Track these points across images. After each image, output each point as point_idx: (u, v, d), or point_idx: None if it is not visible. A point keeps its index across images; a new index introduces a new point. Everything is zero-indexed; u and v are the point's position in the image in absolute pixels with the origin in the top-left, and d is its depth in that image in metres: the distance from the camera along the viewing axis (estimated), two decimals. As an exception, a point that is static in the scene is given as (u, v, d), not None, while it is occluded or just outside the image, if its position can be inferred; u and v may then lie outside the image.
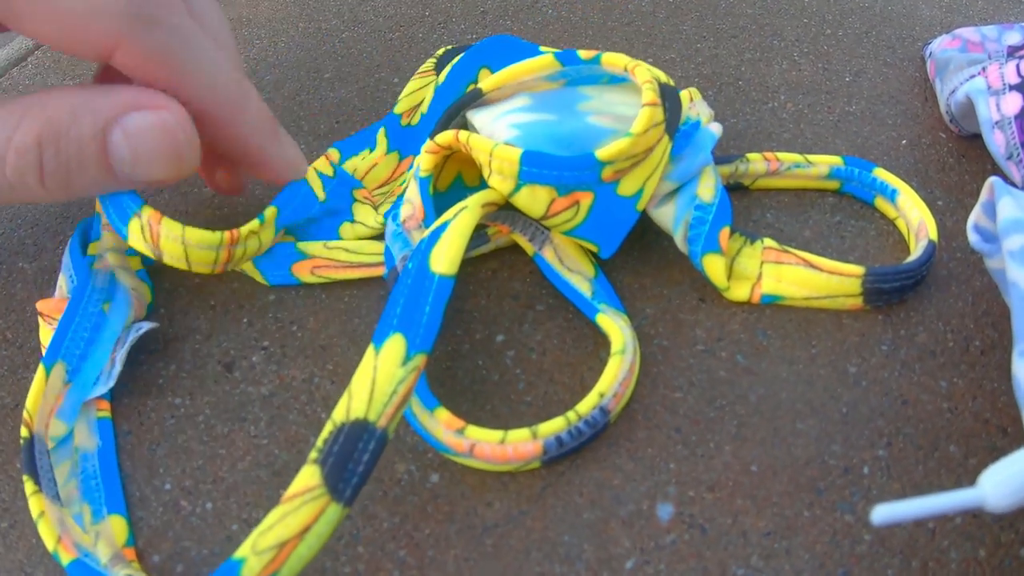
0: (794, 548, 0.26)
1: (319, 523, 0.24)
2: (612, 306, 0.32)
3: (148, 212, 0.31)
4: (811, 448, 0.28)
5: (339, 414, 0.25)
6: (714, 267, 0.31)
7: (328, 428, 0.25)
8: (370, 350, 0.26)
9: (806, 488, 0.27)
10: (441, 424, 0.28)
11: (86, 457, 0.31)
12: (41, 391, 0.31)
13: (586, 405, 0.28)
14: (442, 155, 0.32)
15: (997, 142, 0.34)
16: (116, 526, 0.29)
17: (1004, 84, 0.34)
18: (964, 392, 0.29)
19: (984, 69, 0.35)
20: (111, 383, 0.32)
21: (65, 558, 0.27)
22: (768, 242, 0.32)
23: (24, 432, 0.30)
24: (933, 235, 0.32)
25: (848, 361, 0.30)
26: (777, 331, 0.31)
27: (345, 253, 0.35)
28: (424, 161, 0.32)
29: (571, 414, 0.28)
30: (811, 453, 0.28)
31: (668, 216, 0.32)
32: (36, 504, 0.29)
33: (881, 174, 0.35)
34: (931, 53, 0.41)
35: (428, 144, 0.32)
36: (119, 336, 0.33)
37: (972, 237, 0.30)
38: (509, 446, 0.27)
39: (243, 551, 0.23)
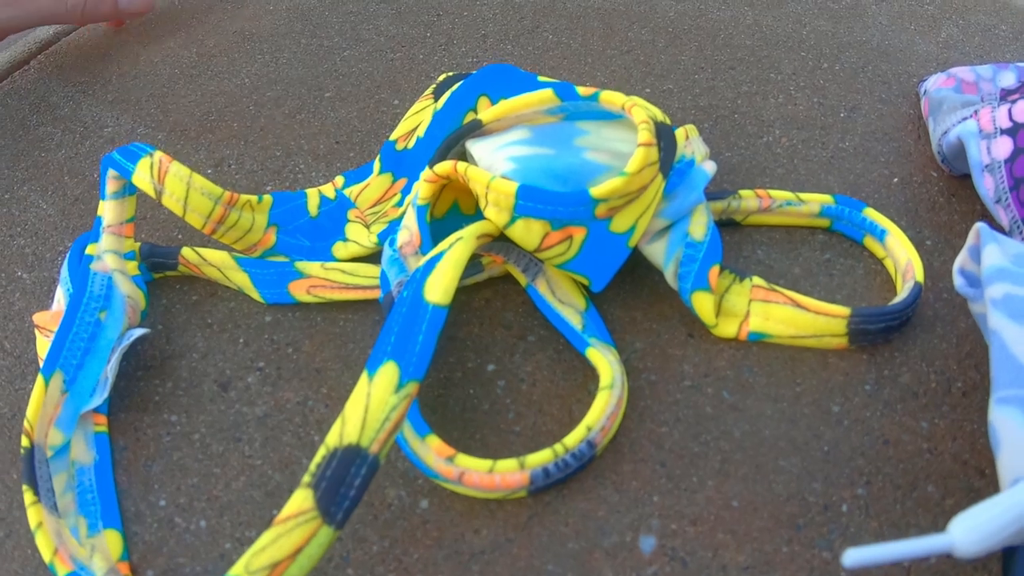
0: (772, 585, 0.27)
1: (311, 545, 0.25)
2: (602, 340, 0.32)
3: (160, 153, 0.35)
4: (792, 485, 0.29)
5: (332, 439, 0.26)
6: (703, 304, 0.32)
7: (321, 452, 0.25)
8: (364, 376, 0.27)
9: (786, 524, 0.28)
10: (432, 451, 0.29)
11: (83, 471, 0.31)
12: (41, 401, 0.31)
13: (573, 438, 0.29)
14: (440, 184, 0.33)
15: (987, 186, 0.35)
16: (111, 540, 0.30)
17: (995, 128, 0.35)
18: (944, 433, 0.30)
19: (976, 112, 0.36)
20: (105, 393, 0.32)
21: (61, 570, 0.28)
22: (757, 280, 0.33)
23: (25, 442, 0.30)
24: (920, 277, 0.33)
25: (832, 400, 0.31)
26: (763, 368, 0.32)
27: (342, 275, 0.35)
28: (423, 190, 0.32)
29: (558, 446, 0.29)
30: (792, 490, 0.29)
31: (659, 252, 0.33)
32: (35, 514, 0.29)
33: (871, 214, 0.35)
34: (926, 91, 0.41)
35: (427, 173, 0.32)
36: (114, 344, 0.33)
37: (957, 281, 0.30)
38: (497, 475, 0.28)
39: (236, 570, 0.24)
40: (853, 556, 0.21)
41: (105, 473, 0.32)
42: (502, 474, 0.28)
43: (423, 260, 0.30)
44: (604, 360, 0.31)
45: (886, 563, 0.25)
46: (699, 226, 0.32)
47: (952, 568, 0.27)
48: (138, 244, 0.37)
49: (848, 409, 0.31)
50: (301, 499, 0.25)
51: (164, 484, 0.31)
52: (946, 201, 0.38)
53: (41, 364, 0.33)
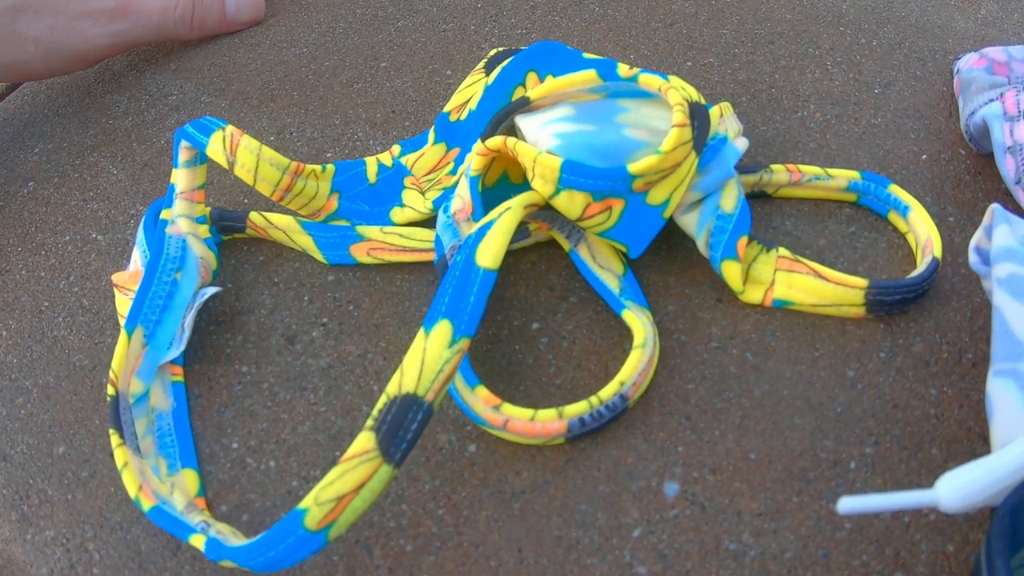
0: (781, 529, 0.29)
1: (372, 481, 0.28)
2: (637, 302, 0.35)
3: (231, 127, 0.38)
4: (805, 441, 0.32)
5: (392, 388, 0.29)
6: (731, 272, 0.35)
7: (383, 400, 0.29)
8: (420, 333, 0.30)
9: (797, 477, 0.31)
10: (480, 400, 0.32)
11: (161, 416, 0.35)
12: (124, 353, 0.35)
13: (608, 391, 0.32)
14: (491, 157, 0.35)
15: (1008, 167, 0.36)
16: (188, 478, 0.33)
17: (1019, 111, 0.36)
18: (952, 400, 0.32)
19: (1003, 94, 0.37)
20: (182, 346, 0.36)
21: (146, 504, 0.32)
22: (782, 251, 0.35)
23: (110, 390, 0.34)
24: (938, 252, 0.35)
25: (848, 365, 0.33)
26: (785, 333, 0.35)
27: (399, 238, 0.38)
28: (475, 162, 0.35)
29: (594, 399, 0.32)
30: (805, 446, 0.31)
31: (692, 223, 0.35)
32: (120, 455, 0.33)
33: (895, 190, 0.37)
34: (958, 70, 0.43)
35: (478, 146, 0.35)
36: (189, 302, 0.37)
37: (972, 258, 0.32)
38: (538, 423, 0.31)
39: (307, 502, 0.27)
40: (847, 504, 0.24)
41: (182, 418, 0.35)
42: (542, 422, 0.31)
43: (475, 227, 0.33)
44: (638, 321, 0.34)
45: (877, 512, 0.27)
46: (730, 199, 0.35)
47: (949, 526, 0.29)
48: (209, 209, 0.40)
49: (862, 374, 0.33)
50: (364, 440, 0.28)
51: (236, 428, 0.35)
52: (972, 179, 0.40)
53: (121, 321, 0.37)
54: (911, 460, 0.31)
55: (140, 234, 0.39)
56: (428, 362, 0.29)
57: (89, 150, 0.48)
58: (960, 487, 0.23)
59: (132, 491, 0.32)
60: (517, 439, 0.32)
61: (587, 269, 0.36)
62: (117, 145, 0.48)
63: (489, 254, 0.31)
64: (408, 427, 0.28)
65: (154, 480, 0.33)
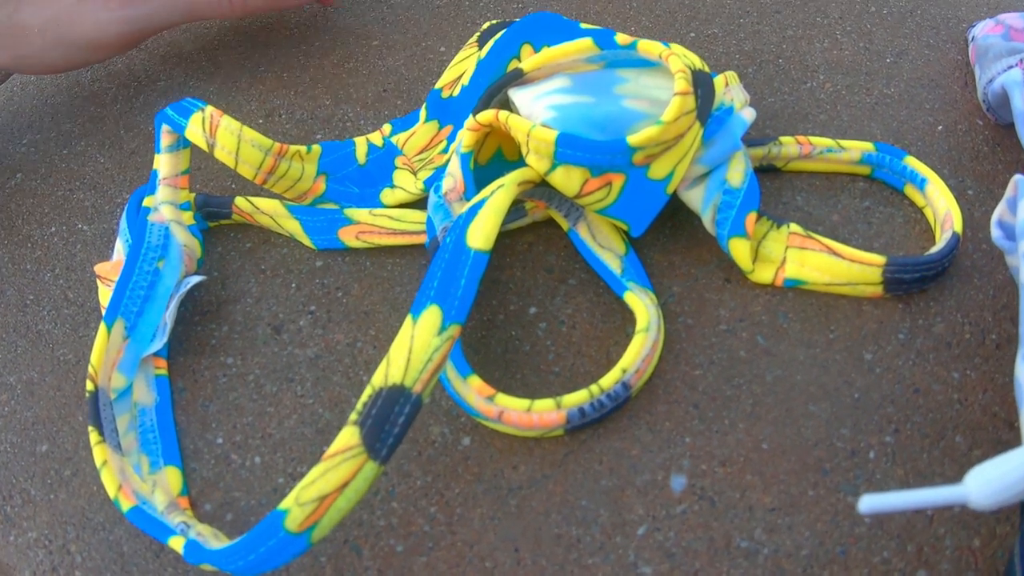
0: (796, 525, 0.28)
1: (357, 479, 0.26)
2: (640, 284, 0.33)
3: (211, 108, 0.36)
4: (821, 430, 0.30)
5: (378, 379, 0.27)
6: (740, 250, 0.33)
7: (367, 392, 0.27)
8: (408, 320, 0.28)
9: (813, 468, 0.29)
10: (473, 390, 0.30)
11: (144, 412, 0.33)
12: (104, 347, 0.33)
13: (609, 380, 0.30)
14: (483, 132, 0.33)
15: (1030, 134, 0.34)
16: (171, 476, 0.32)
17: (1041, 76, 0.34)
18: (976, 384, 0.30)
19: (1022, 60, 0.35)
20: (165, 338, 0.34)
21: (125, 504, 0.30)
22: (794, 227, 0.33)
23: (89, 386, 0.33)
24: (958, 227, 0.33)
25: (864, 348, 0.32)
26: (798, 314, 0.33)
27: (389, 220, 0.37)
28: (466, 138, 0.33)
29: (594, 387, 0.30)
30: (820, 435, 0.30)
31: (697, 198, 0.33)
32: (100, 453, 0.31)
33: (912, 162, 0.35)
34: (973, 37, 0.41)
35: (470, 122, 0.33)
36: (172, 292, 0.35)
37: (995, 233, 0.30)
38: (535, 414, 0.29)
39: (287, 503, 0.26)
40: (868, 502, 0.22)
41: (165, 413, 0.34)
42: (539, 413, 0.29)
43: (467, 206, 0.31)
44: (641, 304, 0.32)
45: (901, 511, 0.26)
46: (737, 173, 0.33)
47: (974, 519, 0.27)
48: (193, 195, 0.39)
49: (880, 357, 0.31)
50: (348, 436, 0.26)
51: (221, 423, 0.33)
52: (990, 150, 0.38)
53: (103, 312, 0.35)
54: (933, 449, 0.29)
55: (123, 222, 0.38)
56: (416, 351, 0.27)
57: (77, 138, 0.47)
58: (992, 482, 0.21)
59: (111, 491, 0.30)
60: (513, 431, 0.30)
61: (587, 249, 0.35)
62: (105, 133, 0.47)
63: (481, 234, 0.29)
64: (395, 421, 0.27)
65: (135, 479, 0.31)
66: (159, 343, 0.34)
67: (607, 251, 0.34)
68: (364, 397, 0.27)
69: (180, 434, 0.33)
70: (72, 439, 0.34)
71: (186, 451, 0.33)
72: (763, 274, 0.34)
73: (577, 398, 0.30)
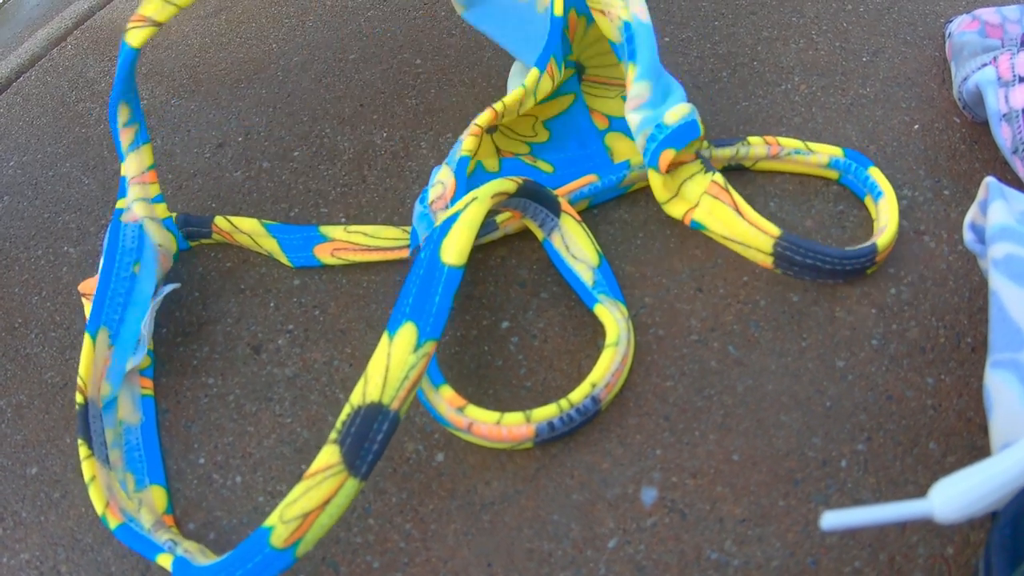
0: (767, 536, 0.28)
1: (338, 496, 0.27)
2: (611, 296, 0.33)
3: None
4: (792, 440, 0.30)
5: (356, 398, 0.27)
6: (654, 181, 0.34)
7: (346, 411, 0.27)
8: (384, 337, 0.28)
9: (784, 479, 0.29)
10: (445, 401, 0.30)
11: (130, 430, 0.34)
12: (91, 358, 0.34)
13: (579, 394, 0.30)
14: (482, 134, 0.34)
15: (1004, 135, 0.34)
16: (156, 495, 0.32)
17: (1014, 75, 0.34)
18: (950, 389, 0.30)
19: (996, 59, 0.35)
20: (146, 347, 0.34)
21: (113, 522, 0.30)
22: (716, 177, 0.34)
23: (79, 398, 0.33)
24: (881, 243, 0.32)
25: (837, 355, 0.31)
26: (770, 323, 0.33)
27: (363, 237, 0.37)
28: (466, 142, 0.34)
29: (564, 402, 0.30)
30: (791, 445, 0.30)
31: (635, 122, 0.34)
32: (88, 468, 0.32)
33: (875, 174, 0.35)
34: (950, 33, 0.40)
35: (470, 128, 0.34)
36: (151, 296, 0.35)
37: (967, 236, 0.30)
38: (504, 427, 0.30)
39: (272, 520, 0.26)
40: (830, 519, 0.21)
41: (151, 433, 0.34)
42: (509, 426, 0.30)
43: (439, 221, 0.31)
44: (611, 317, 0.32)
45: (865, 527, 0.25)
46: (674, 114, 0.34)
47: (947, 527, 0.27)
48: (170, 212, 0.39)
49: (853, 364, 0.31)
50: (328, 455, 0.27)
51: (203, 443, 0.33)
52: (967, 149, 0.37)
53: None
54: (907, 456, 0.29)
55: (106, 240, 0.38)
56: (393, 368, 0.27)
57: (62, 160, 0.47)
58: (956, 496, 0.21)
59: (99, 507, 0.31)
60: (483, 443, 0.31)
61: (560, 260, 0.35)
62: (89, 154, 0.47)
63: (454, 250, 0.29)
64: (374, 438, 0.27)
65: (122, 495, 0.32)
66: (141, 353, 0.34)
67: (580, 262, 0.34)
68: (343, 415, 0.27)
69: (164, 454, 0.33)
70: (60, 461, 0.34)
71: (170, 471, 0.33)
72: (676, 209, 0.35)
73: (547, 412, 0.30)
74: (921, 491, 0.28)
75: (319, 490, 0.26)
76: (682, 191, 0.35)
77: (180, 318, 0.37)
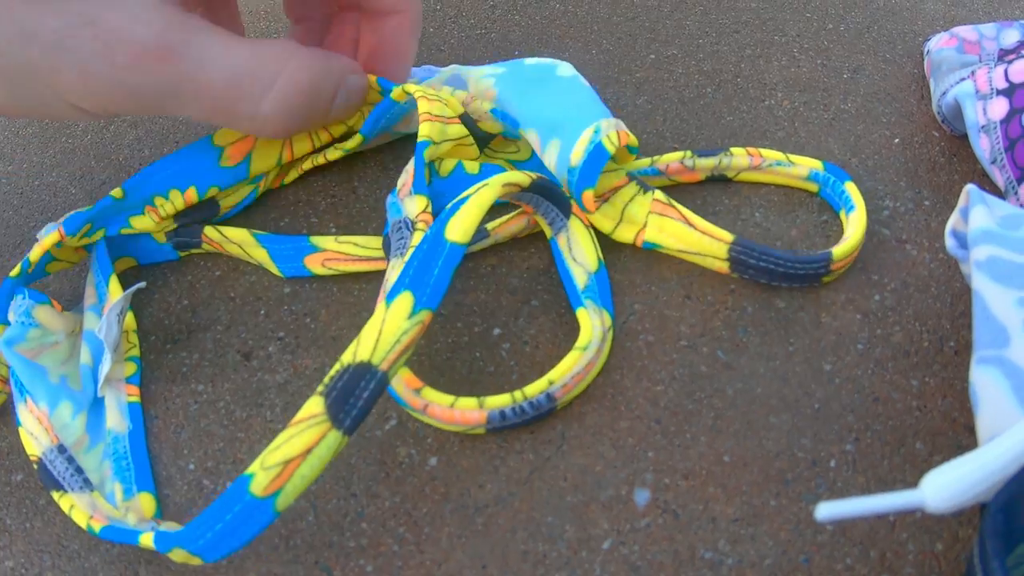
0: (759, 535, 0.28)
1: (320, 446, 0.27)
2: (598, 302, 0.34)
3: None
4: (782, 441, 0.30)
5: (347, 357, 0.28)
6: (596, 221, 0.36)
7: (336, 368, 0.28)
8: (381, 305, 0.29)
9: (774, 479, 0.29)
10: (402, 381, 0.31)
11: (118, 439, 0.34)
12: (29, 420, 0.33)
13: (534, 388, 0.31)
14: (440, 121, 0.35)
15: (982, 146, 0.35)
16: (145, 503, 0.32)
17: (992, 89, 0.35)
18: (935, 391, 0.31)
19: (974, 73, 0.36)
20: (111, 355, 0.34)
21: (97, 527, 0.30)
22: (658, 195, 0.35)
23: (32, 454, 0.33)
24: (837, 253, 0.33)
25: (824, 359, 0.32)
26: (757, 328, 0.33)
27: (354, 247, 0.37)
28: (423, 127, 0.35)
29: (517, 393, 0.31)
30: (781, 446, 0.30)
31: (553, 169, 0.35)
32: (65, 503, 0.32)
33: (850, 188, 0.36)
34: (929, 51, 0.41)
35: (421, 116, 0.35)
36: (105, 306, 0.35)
37: (949, 242, 0.31)
38: (457, 411, 0.30)
39: (253, 467, 0.26)
40: (826, 510, 0.22)
41: (139, 440, 0.34)
42: (462, 410, 0.30)
43: (451, 204, 0.31)
44: (589, 322, 0.33)
45: (859, 517, 0.26)
46: (577, 152, 0.34)
47: (937, 523, 0.28)
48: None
49: (840, 367, 0.32)
50: (313, 404, 0.27)
51: (192, 449, 0.33)
52: (947, 161, 0.38)
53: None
54: (894, 456, 0.29)
55: (94, 266, 0.38)
56: (386, 332, 0.28)
57: (48, 170, 0.47)
58: (947, 486, 0.22)
59: (82, 522, 0.31)
60: (438, 424, 0.31)
61: (561, 260, 0.36)
62: (75, 164, 0.47)
63: (459, 228, 0.30)
64: (359, 395, 0.27)
65: (107, 507, 0.31)
66: (108, 363, 0.34)
67: (578, 266, 0.35)
68: (332, 372, 0.28)
69: (153, 461, 0.33)
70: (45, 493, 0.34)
71: (159, 478, 0.33)
72: (625, 234, 0.35)
73: (499, 401, 0.31)
74: (908, 488, 0.28)
75: (301, 438, 0.26)
76: (626, 215, 0.35)
77: (169, 326, 0.37)
